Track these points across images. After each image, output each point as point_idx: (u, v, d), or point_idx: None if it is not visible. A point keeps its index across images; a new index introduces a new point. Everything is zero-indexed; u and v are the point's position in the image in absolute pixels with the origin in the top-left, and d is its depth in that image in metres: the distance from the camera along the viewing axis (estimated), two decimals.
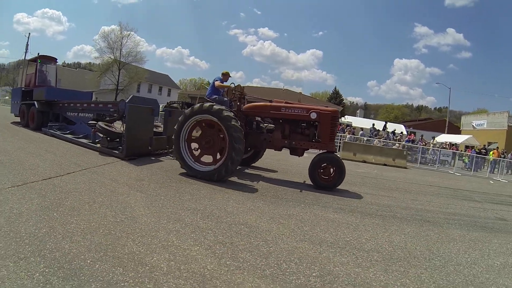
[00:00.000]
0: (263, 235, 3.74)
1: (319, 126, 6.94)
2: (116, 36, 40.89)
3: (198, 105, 6.65)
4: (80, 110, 10.45)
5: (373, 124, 20.95)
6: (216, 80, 7.34)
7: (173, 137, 6.77)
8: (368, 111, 67.75)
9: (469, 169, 18.69)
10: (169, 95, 53.18)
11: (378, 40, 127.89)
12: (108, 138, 8.31)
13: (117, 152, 7.76)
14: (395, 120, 57.13)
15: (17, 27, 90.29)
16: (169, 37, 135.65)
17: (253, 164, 8.49)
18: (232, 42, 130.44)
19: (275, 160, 10.29)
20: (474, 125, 37.91)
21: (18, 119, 13.52)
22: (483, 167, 19.39)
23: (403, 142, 19.64)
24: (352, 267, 3.20)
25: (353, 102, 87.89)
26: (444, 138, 28.41)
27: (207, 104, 6.54)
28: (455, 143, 25.60)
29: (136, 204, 4.31)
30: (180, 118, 6.81)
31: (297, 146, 6.99)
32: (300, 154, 7.15)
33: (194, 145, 6.91)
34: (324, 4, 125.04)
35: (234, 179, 6.78)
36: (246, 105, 7.28)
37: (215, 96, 7.25)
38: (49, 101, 11.69)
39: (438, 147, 21.34)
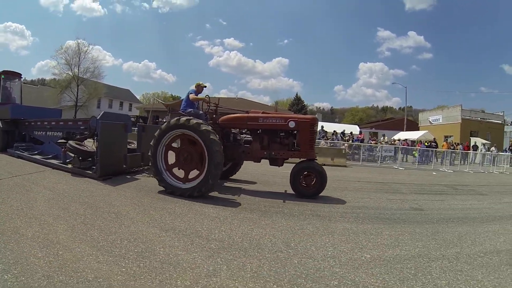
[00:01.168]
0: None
1: (298, 135, 6.79)
2: (73, 52, 40.16)
3: (174, 119, 6.31)
4: (48, 128, 9.70)
5: (322, 127, 21.07)
6: (191, 93, 7.00)
7: (149, 154, 6.39)
8: (334, 115, 69.07)
9: (418, 163, 18.71)
10: (130, 109, 51.80)
11: (342, 45, 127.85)
12: (80, 158, 7.77)
13: (90, 172, 7.23)
14: (360, 122, 58.60)
15: None
16: (135, 51, 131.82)
17: (231, 177, 8.20)
18: (198, 54, 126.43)
19: (253, 171, 9.85)
20: (430, 120, 39.10)
21: None
22: (432, 160, 19.36)
23: (350, 142, 19.68)
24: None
25: (320, 107, 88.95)
26: (402, 135, 28.70)
27: (183, 119, 6.20)
28: (407, 139, 25.29)
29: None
30: (156, 134, 6.43)
31: (276, 156, 6.78)
32: (280, 164, 6.94)
33: (171, 159, 6.57)
34: (288, 13, 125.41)
35: (215, 194, 6.46)
36: (223, 117, 7.00)
37: (190, 110, 6.91)
38: (15, 119, 10.81)
39: (389, 144, 21.31)
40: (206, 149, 5.98)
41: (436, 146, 21.86)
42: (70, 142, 7.96)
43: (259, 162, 6.99)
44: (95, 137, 7.67)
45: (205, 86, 7.31)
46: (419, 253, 3.87)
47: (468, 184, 11.11)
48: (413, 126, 40.70)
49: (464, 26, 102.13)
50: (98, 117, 7.61)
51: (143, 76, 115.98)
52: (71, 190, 5.97)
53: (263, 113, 7.04)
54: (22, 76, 13.48)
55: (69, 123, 9.24)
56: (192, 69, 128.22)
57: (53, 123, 9.64)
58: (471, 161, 20.08)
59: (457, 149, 21.60)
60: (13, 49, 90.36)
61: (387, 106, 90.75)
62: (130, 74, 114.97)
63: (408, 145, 21.83)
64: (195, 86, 7.17)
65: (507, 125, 39.19)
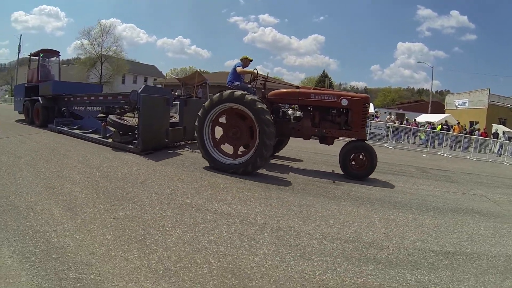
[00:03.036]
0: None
1: (350, 113, 6.10)
2: (95, 32, 40.50)
3: (228, 92, 5.70)
4: (87, 103, 9.36)
5: None
6: (238, 66, 6.39)
7: (195, 134, 5.86)
8: (368, 94, 65.66)
9: (423, 145, 16.95)
10: (156, 85, 51.38)
11: (380, 23, 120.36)
12: (121, 132, 7.36)
13: (131, 146, 6.80)
14: (392, 103, 56.11)
15: (15, 26, 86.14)
16: (169, 27, 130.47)
17: (276, 154, 7.60)
18: (233, 30, 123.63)
19: (293, 148, 9.08)
20: (456, 104, 35.49)
21: (22, 117, 12.42)
22: (436, 144, 17.35)
23: None
24: None
25: (354, 87, 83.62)
26: (424, 118, 26.59)
27: (227, 92, 5.63)
28: (430, 122, 23.15)
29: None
30: (199, 112, 5.88)
31: (327, 134, 6.13)
32: (330, 142, 6.30)
33: (219, 135, 6.05)
34: None
35: (263, 171, 5.90)
36: (272, 92, 6.36)
37: (237, 83, 6.29)
38: (55, 95, 10.53)
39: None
40: (256, 121, 5.40)
41: (448, 130, 19.03)
42: (111, 116, 7.54)
43: (309, 139, 6.36)
44: (136, 111, 7.24)
45: (252, 60, 6.68)
46: None
47: (448, 170, 9.42)
48: (443, 109, 37.33)
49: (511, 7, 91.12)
50: (139, 91, 7.14)
51: (177, 52, 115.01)
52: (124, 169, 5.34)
53: (314, 89, 6.38)
54: (60, 54, 13.24)
55: (108, 98, 8.83)
56: (227, 45, 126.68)
57: (92, 98, 9.28)
58: (490, 149, 17.20)
59: (471, 135, 18.71)
60: (48, 31, 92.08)
61: (423, 88, 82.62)
62: (164, 50, 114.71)
63: (417, 126, 20.03)
64: (241, 60, 6.54)
65: None
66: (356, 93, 7.43)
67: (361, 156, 6.09)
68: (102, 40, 40.97)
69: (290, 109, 6.99)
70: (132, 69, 47.86)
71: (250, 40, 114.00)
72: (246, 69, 6.46)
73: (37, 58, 12.33)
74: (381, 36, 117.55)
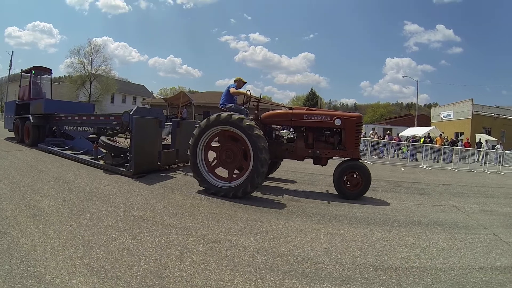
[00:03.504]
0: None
1: (343, 133, 6.05)
2: (85, 52, 40.77)
3: (215, 115, 5.65)
4: (79, 123, 9.20)
5: None
6: (231, 87, 6.33)
7: (188, 153, 5.74)
8: (358, 111, 66.19)
9: (405, 159, 16.58)
10: (143, 105, 51.37)
11: (368, 40, 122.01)
12: (112, 154, 7.20)
13: (123, 169, 6.62)
14: (381, 119, 56.70)
15: (8, 41, 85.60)
16: (161, 47, 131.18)
17: (270, 176, 7.49)
18: (223, 49, 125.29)
19: (286, 169, 8.90)
20: (442, 116, 35.82)
21: (13, 135, 12.16)
22: (417, 157, 16.97)
23: None
24: None
25: (343, 104, 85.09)
26: (410, 131, 26.87)
27: (224, 114, 5.54)
28: (415, 135, 23.11)
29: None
30: (195, 132, 5.78)
31: (321, 155, 6.06)
32: (324, 163, 6.21)
33: (212, 158, 5.93)
34: (314, 6, 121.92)
35: (257, 194, 5.77)
36: (265, 113, 6.28)
37: (230, 105, 6.23)
38: (47, 114, 10.30)
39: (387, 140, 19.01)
40: (250, 145, 5.30)
41: (431, 142, 18.97)
42: (102, 137, 7.39)
43: (302, 160, 6.29)
44: (127, 133, 7.10)
45: (246, 82, 6.64)
46: None
47: (422, 182, 9.20)
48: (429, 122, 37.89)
49: (496, 19, 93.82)
50: (131, 112, 7.01)
51: (169, 71, 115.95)
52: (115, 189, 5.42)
53: (307, 109, 6.33)
54: (52, 72, 13.06)
55: (100, 118, 8.66)
56: (218, 64, 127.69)
57: (84, 118, 9.11)
58: (476, 159, 17.16)
59: (454, 146, 18.62)
60: (41, 47, 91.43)
61: (411, 102, 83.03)
62: (155, 69, 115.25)
63: (400, 140, 20.11)
64: (235, 81, 6.49)
65: None
66: (348, 110, 7.42)
67: (355, 176, 6.03)
68: (91, 59, 41.32)
69: (284, 131, 6.93)
70: (121, 88, 48.27)
71: (241, 59, 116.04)
72: (239, 90, 6.40)
73: (29, 75, 12.14)
74: (369, 53, 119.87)
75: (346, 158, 6.16)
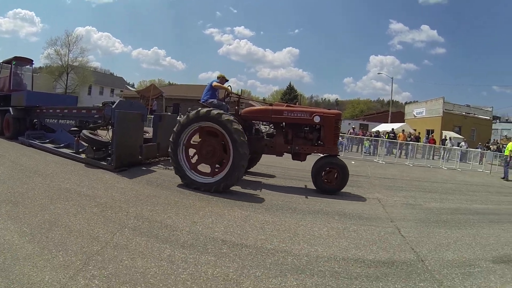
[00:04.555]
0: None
1: (322, 130, 6.14)
2: (62, 42, 40.20)
3: (194, 112, 5.64)
4: (60, 116, 8.93)
5: None
6: (215, 82, 6.33)
7: (169, 150, 5.72)
8: (339, 107, 66.81)
9: (365, 153, 16.64)
10: (121, 97, 50.95)
11: (353, 37, 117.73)
12: (94, 148, 7.09)
13: (105, 163, 6.50)
14: (360, 114, 57.45)
15: None
16: (145, 38, 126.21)
17: (249, 170, 7.52)
18: (208, 42, 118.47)
19: (267, 163, 8.84)
20: (415, 113, 35.59)
21: None
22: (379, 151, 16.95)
23: None
24: None
25: (325, 99, 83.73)
26: (382, 127, 26.82)
27: (204, 110, 5.52)
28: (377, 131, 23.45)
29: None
30: (175, 129, 5.73)
31: (300, 151, 6.13)
32: (303, 159, 6.30)
33: (192, 152, 5.93)
34: (300, 2, 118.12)
35: (236, 188, 5.78)
36: (245, 109, 6.30)
37: (211, 100, 6.19)
38: (28, 106, 9.95)
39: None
40: (230, 140, 5.31)
41: (394, 138, 19.08)
42: (84, 131, 7.22)
43: (282, 156, 6.35)
44: (109, 126, 7.01)
45: (228, 80, 6.62)
46: None
47: (363, 175, 9.11)
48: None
49: (480, 21, 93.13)
50: (113, 106, 6.92)
51: (152, 63, 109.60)
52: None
53: (287, 106, 6.39)
54: (33, 63, 12.64)
55: (82, 111, 8.45)
56: (202, 57, 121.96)
57: (65, 110, 8.88)
58: (441, 156, 16.98)
59: (413, 142, 18.22)
60: (22, 36, 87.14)
61: (393, 100, 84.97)
62: (139, 61, 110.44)
63: (364, 135, 20.07)
64: (218, 77, 6.47)
65: (494, 122, 35.29)
66: (329, 106, 7.52)
67: (333, 171, 6.15)
68: (68, 50, 40.64)
69: (263, 126, 6.98)
70: (99, 80, 47.58)
71: (225, 53, 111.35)
72: (221, 85, 6.39)
73: (9, 65, 11.73)
74: (354, 49, 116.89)
75: (325, 154, 6.29)
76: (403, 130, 21.43)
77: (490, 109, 33.72)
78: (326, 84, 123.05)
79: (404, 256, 3.42)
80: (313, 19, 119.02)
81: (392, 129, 22.21)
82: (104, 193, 4.77)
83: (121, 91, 43.28)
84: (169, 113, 11.27)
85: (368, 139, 17.56)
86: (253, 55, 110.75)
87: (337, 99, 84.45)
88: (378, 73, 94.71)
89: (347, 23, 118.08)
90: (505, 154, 13.29)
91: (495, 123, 35.95)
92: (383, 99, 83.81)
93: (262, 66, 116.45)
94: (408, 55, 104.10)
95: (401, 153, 16.67)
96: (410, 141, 18.54)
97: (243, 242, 3.39)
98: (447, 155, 17.32)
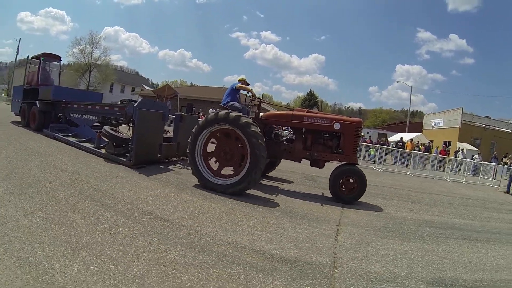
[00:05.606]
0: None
1: (342, 137, 5.94)
2: (86, 42, 42.27)
3: (213, 114, 5.57)
4: (84, 112, 9.06)
5: None
6: (237, 85, 6.27)
7: (187, 151, 5.67)
8: (362, 115, 64.62)
9: (372, 161, 16.20)
10: (139, 96, 52.17)
11: (380, 45, 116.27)
12: (114, 144, 7.13)
13: (124, 159, 6.52)
14: (382, 124, 56.33)
15: (21, 26, 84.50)
16: (172, 39, 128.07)
17: (268, 174, 7.39)
18: (234, 45, 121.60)
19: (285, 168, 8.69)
20: (432, 124, 34.42)
21: (18, 118, 12.08)
22: (386, 160, 16.52)
23: None
24: None
25: (349, 108, 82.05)
26: (397, 137, 25.55)
27: (222, 112, 5.42)
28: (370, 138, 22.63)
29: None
30: (194, 130, 5.67)
31: (319, 157, 5.96)
32: (321, 166, 6.12)
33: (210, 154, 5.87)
34: (326, 8, 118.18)
35: (253, 191, 5.67)
36: (265, 113, 6.19)
37: (232, 103, 6.11)
38: (55, 101, 10.15)
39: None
40: (247, 142, 5.19)
41: (402, 147, 18.40)
42: (106, 127, 7.28)
43: (300, 162, 6.19)
44: (131, 124, 7.04)
45: (249, 84, 6.54)
46: None
47: None
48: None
49: (510, 31, 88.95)
50: (135, 104, 6.96)
51: (178, 64, 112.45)
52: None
53: (307, 111, 6.26)
54: (61, 59, 12.96)
55: (105, 108, 8.53)
56: (228, 60, 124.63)
57: (89, 106, 9.00)
58: (452, 167, 16.32)
59: (422, 151, 18.03)
60: (53, 34, 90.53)
61: (417, 110, 77.71)
62: (165, 61, 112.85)
63: (371, 143, 19.19)
64: (239, 80, 6.41)
65: None
66: (352, 114, 7.34)
67: (351, 180, 5.95)
68: (92, 49, 42.46)
69: (283, 131, 6.86)
70: (121, 78, 49.17)
71: (251, 57, 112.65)
72: (244, 86, 6.32)
73: (38, 61, 12.06)
74: (380, 58, 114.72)
75: (343, 162, 6.10)
76: (411, 140, 20.58)
77: None
78: (351, 92, 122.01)
79: (316, 259, 3.16)
80: (340, 26, 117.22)
81: (401, 138, 21.54)
82: (83, 172, 5.50)
83: (142, 89, 44.32)
84: (190, 114, 11.28)
85: (374, 147, 17.03)
86: (279, 60, 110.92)
87: (360, 107, 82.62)
88: (397, 81, 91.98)
89: (374, 30, 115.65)
90: None
91: None
92: (407, 109, 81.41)
93: (288, 71, 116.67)
94: (435, 65, 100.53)
95: (407, 162, 16.02)
96: (419, 151, 17.92)
97: (165, 217, 3.77)
98: (458, 168, 16.57)
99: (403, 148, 17.81)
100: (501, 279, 3.36)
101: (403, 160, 16.24)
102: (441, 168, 16.36)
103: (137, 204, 4.10)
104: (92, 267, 2.41)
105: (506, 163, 16.82)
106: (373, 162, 15.94)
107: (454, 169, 16.65)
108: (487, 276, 3.38)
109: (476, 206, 8.13)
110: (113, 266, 2.47)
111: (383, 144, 18.73)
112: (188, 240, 3.19)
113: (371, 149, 17.14)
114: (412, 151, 16.79)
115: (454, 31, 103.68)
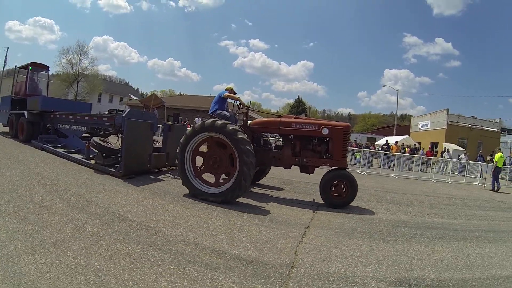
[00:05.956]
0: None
1: (330, 142, 5.95)
2: (73, 51, 41.57)
3: (199, 123, 5.56)
4: (73, 122, 8.94)
5: None
6: (224, 93, 6.25)
7: (176, 161, 5.64)
8: (352, 121, 65.08)
9: (357, 165, 16.00)
10: (125, 106, 52.49)
11: (367, 50, 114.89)
12: (104, 154, 7.06)
13: (113, 170, 6.43)
14: (371, 128, 56.68)
15: (8, 35, 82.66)
16: (160, 49, 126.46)
17: (258, 182, 7.35)
18: (223, 54, 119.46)
19: (276, 175, 8.51)
20: (419, 126, 34.58)
21: (7, 129, 11.91)
22: (372, 162, 16.93)
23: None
24: None
25: (338, 113, 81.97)
26: (384, 140, 25.28)
27: (209, 121, 5.40)
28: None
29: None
30: (181, 140, 5.63)
31: (308, 163, 5.96)
32: (311, 171, 6.11)
33: (200, 163, 5.83)
34: (314, 15, 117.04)
35: (243, 199, 5.61)
36: (253, 121, 6.18)
37: (219, 111, 6.10)
38: (43, 111, 10.01)
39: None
40: (235, 149, 5.18)
41: (388, 150, 18.49)
42: (94, 138, 7.20)
43: (289, 168, 6.18)
44: (120, 134, 6.98)
45: (236, 93, 6.53)
46: None
47: (314, 183, 7.38)
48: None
49: (495, 33, 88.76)
50: (124, 114, 6.90)
51: (167, 73, 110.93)
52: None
53: (295, 118, 6.26)
54: (49, 69, 12.80)
55: (94, 119, 8.44)
56: (217, 68, 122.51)
57: (78, 117, 8.90)
58: (439, 168, 16.61)
59: (414, 155, 18.04)
60: (41, 43, 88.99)
61: (406, 114, 78.02)
62: (154, 71, 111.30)
63: (357, 147, 19.08)
64: (226, 89, 6.39)
65: (503, 134, 33.45)
66: (340, 120, 7.35)
67: (341, 185, 5.96)
68: (79, 59, 41.93)
69: (272, 138, 6.86)
70: (109, 88, 48.92)
71: (240, 65, 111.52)
72: (232, 95, 6.30)
73: (26, 70, 11.88)
74: (368, 63, 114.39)
75: (333, 167, 6.11)
76: (396, 142, 20.62)
77: (498, 121, 32.40)
78: (340, 98, 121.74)
79: (275, 259, 3.17)
80: (328, 32, 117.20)
81: (386, 141, 21.70)
82: (63, 178, 5.72)
83: (129, 99, 44.44)
84: (178, 123, 11.22)
85: (360, 151, 16.96)
86: (268, 68, 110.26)
87: (349, 113, 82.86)
88: (384, 86, 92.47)
89: (362, 36, 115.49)
90: (498, 165, 12.50)
91: (503, 135, 34.04)
92: (395, 113, 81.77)
93: (277, 79, 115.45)
94: (422, 68, 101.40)
95: (393, 165, 16.03)
96: (404, 153, 18.03)
97: (134, 219, 3.95)
98: (444, 168, 16.74)
99: (389, 151, 17.86)
100: (473, 278, 3.26)
101: (389, 162, 16.33)
102: (428, 169, 16.39)
103: (110, 208, 4.31)
104: (57, 261, 2.64)
105: (491, 161, 17.07)
106: (359, 166, 15.87)
107: (440, 169, 16.81)
108: (457, 275, 3.28)
109: (458, 205, 8.05)
110: (76, 260, 2.69)
111: (368, 148, 18.74)
112: (151, 240, 3.34)
113: (356, 153, 17.18)
114: (397, 153, 16.91)
115: (440, 35, 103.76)
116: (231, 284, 2.58)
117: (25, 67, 11.99)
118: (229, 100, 6.48)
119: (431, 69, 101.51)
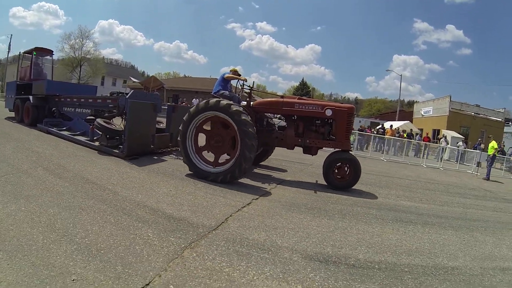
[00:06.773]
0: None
1: (334, 124, 5.86)
2: (75, 36, 41.92)
3: (204, 101, 5.47)
4: (77, 105, 8.88)
5: None
6: (227, 74, 6.15)
7: (178, 138, 5.59)
8: (359, 105, 63.94)
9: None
10: (126, 88, 52.93)
11: (377, 35, 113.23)
12: (107, 136, 7.03)
13: (117, 151, 6.40)
14: (377, 113, 56.00)
15: (13, 21, 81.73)
16: (167, 31, 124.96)
17: (261, 163, 7.30)
18: (230, 36, 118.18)
19: (279, 156, 8.63)
20: (422, 113, 33.63)
21: (13, 114, 11.92)
22: (366, 146, 16.64)
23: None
24: None
25: (345, 97, 79.66)
26: (386, 125, 24.28)
27: (213, 100, 5.30)
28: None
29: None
30: (184, 118, 5.57)
31: (311, 144, 5.88)
32: (314, 153, 6.04)
33: (202, 142, 5.77)
34: None
35: (245, 180, 5.60)
36: (256, 101, 6.07)
37: (223, 92, 6.01)
38: (48, 95, 9.93)
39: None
40: (238, 130, 5.09)
41: (383, 134, 18.12)
42: (98, 120, 7.16)
43: (292, 149, 6.10)
44: (124, 116, 6.94)
45: (240, 75, 6.40)
46: None
47: (306, 164, 8.40)
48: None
49: (508, 22, 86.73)
50: (127, 96, 6.84)
51: (174, 56, 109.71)
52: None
53: (299, 98, 6.16)
54: (54, 53, 12.72)
55: (98, 101, 8.39)
56: (224, 51, 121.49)
57: (82, 100, 8.86)
58: (436, 154, 16.47)
59: (410, 139, 17.68)
60: (46, 28, 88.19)
61: (413, 100, 75.62)
62: (161, 54, 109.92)
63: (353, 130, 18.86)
64: (230, 70, 6.29)
65: (507, 125, 32.23)
66: (343, 103, 7.22)
67: (344, 167, 5.90)
68: (82, 44, 42.12)
69: (276, 119, 6.77)
70: (113, 71, 48.85)
71: (247, 48, 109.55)
72: (233, 75, 6.19)
73: (30, 56, 11.83)
74: (377, 48, 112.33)
75: (337, 149, 6.03)
76: (391, 126, 20.18)
77: (502, 111, 31.47)
78: (348, 82, 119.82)
79: (202, 221, 3.38)
80: (336, 16, 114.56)
81: (382, 124, 21.37)
82: (50, 152, 6.24)
83: (133, 81, 44.35)
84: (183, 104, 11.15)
85: (353, 134, 16.59)
86: (275, 51, 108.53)
87: (356, 97, 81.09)
88: (387, 70, 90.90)
89: (371, 21, 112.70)
90: (488, 153, 12.27)
91: (508, 125, 32.85)
92: (403, 99, 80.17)
93: (284, 62, 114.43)
94: (432, 55, 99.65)
95: (389, 149, 15.86)
96: (399, 137, 17.73)
97: (97, 182, 4.44)
98: (441, 155, 16.46)
99: (384, 135, 17.54)
100: (408, 264, 2.99)
101: (383, 146, 16.09)
102: (424, 155, 16.10)
103: (81, 174, 4.79)
104: (23, 208, 3.21)
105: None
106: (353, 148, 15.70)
107: (438, 156, 16.54)
108: (391, 259, 3.03)
109: (437, 190, 7.73)
110: (37, 208, 3.23)
111: (362, 131, 18.34)
112: (104, 197, 3.81)
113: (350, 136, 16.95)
114: (392, 137, 16.66)
115: (451, 22, 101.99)
116: (149, 234, 2.91)
117: (29, 52, 11.89)
118: (233, 82, 6.38)
119: (441, 57, 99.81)
